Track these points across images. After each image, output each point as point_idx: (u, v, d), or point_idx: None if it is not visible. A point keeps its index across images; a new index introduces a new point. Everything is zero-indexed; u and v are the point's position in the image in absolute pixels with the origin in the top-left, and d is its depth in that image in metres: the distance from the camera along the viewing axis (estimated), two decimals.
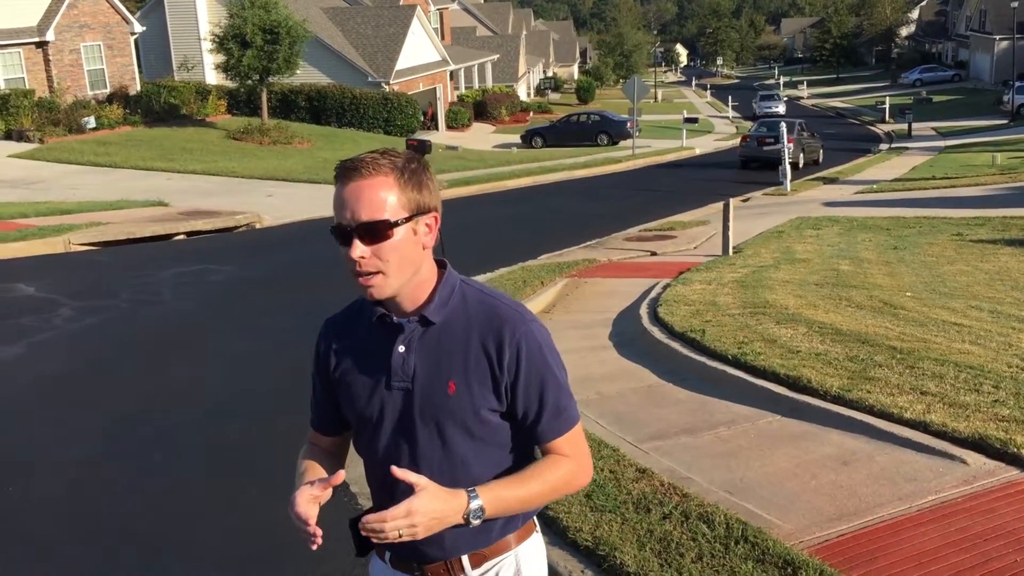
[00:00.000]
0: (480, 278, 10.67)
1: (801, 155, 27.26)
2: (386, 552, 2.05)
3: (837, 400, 5.56)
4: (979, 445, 4.74)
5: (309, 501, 1.88)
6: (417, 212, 1.90)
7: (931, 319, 7.81)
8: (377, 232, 1.85)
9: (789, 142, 25.20)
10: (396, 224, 1.86)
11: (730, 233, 12.67)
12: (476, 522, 1.86)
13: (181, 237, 15.51)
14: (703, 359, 6.79)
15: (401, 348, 1.94)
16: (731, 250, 12.63)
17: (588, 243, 14.72)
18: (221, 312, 9.86)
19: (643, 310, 8.73)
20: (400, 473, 1.82)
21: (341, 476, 1.89)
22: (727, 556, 3.83)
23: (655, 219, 17.52)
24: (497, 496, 1.88)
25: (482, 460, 1.96)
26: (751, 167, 26.66)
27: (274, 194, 20.41)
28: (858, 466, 4.78)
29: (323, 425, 2.16)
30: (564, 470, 1.97)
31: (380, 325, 1.98)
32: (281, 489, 5.04)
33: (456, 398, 1.91)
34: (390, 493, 1.90)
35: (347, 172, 1.87)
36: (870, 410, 5.34)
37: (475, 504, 1.85)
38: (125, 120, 28.61)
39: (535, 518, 2.12)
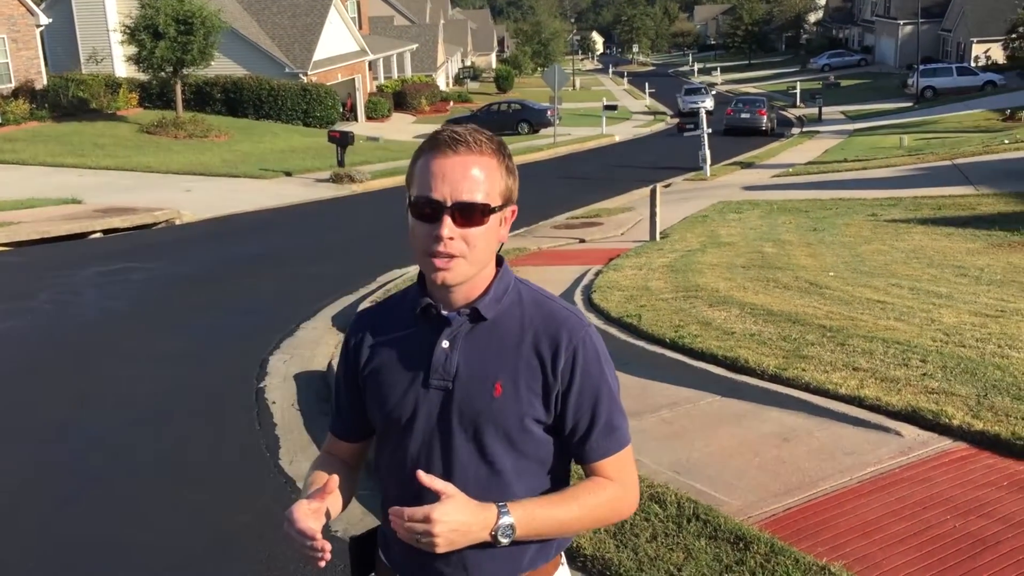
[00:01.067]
0: (411, 271, 10.62)
1: (770, 124, 35.33)
2: (395, 574, 1.87)
3: (774, 379, 5.71)
4: (912, 417, 4.92)
5: (308, 515, 1.70)
6: (507, 202, 1.78)
7: (855, 297, 8.07)
8: (474, 215, 1.70)
9: (762, 114, 34.70)
10: (493, 210, 1.73)
11: (657, 219, 12.86)
12: (505, 541, 1.67)
13: (98, 235, 15.07)
14: (641, 343, 6.89)
15: (445, 343, 1.77)
16: (658, 235, 12.82)
17: (516, 232, 14.77)
18: (147, 311, 9.63)
19: (578, 297, 8.81)
20: (427, 479, 1.65)
21: (335, 481, 1.73)
22: (680, 534, 3.92)
23: (581, 206, 17.69)
24: (530, 515, 1.70)
25: (520, 476, 1.77)
26: (734, 135, 33.86)
27: (193, 189, 19.98)
28: (799, 442, 4.92)
29: (343, 429, 1.96)
30: (607, 495, 1.79)
31: (423, 317, 1.81)
32: (221, 489, 4.98)
33: (501, 401, 1.74)
34: (414, 505, 1.70)
35: (450, 143, 1.71)
36: (806, 387, 5.50)
37: (505, 520, 1.67)
38: (32, 115, 27.65)
39: (563, 552, 1.91)
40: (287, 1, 39.63)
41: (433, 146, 1.73)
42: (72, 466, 5.53)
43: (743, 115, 34.88)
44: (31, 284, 10.77)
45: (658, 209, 12.87)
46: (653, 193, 12.89)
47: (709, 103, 41.89)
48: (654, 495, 4.27)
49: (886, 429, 4.89)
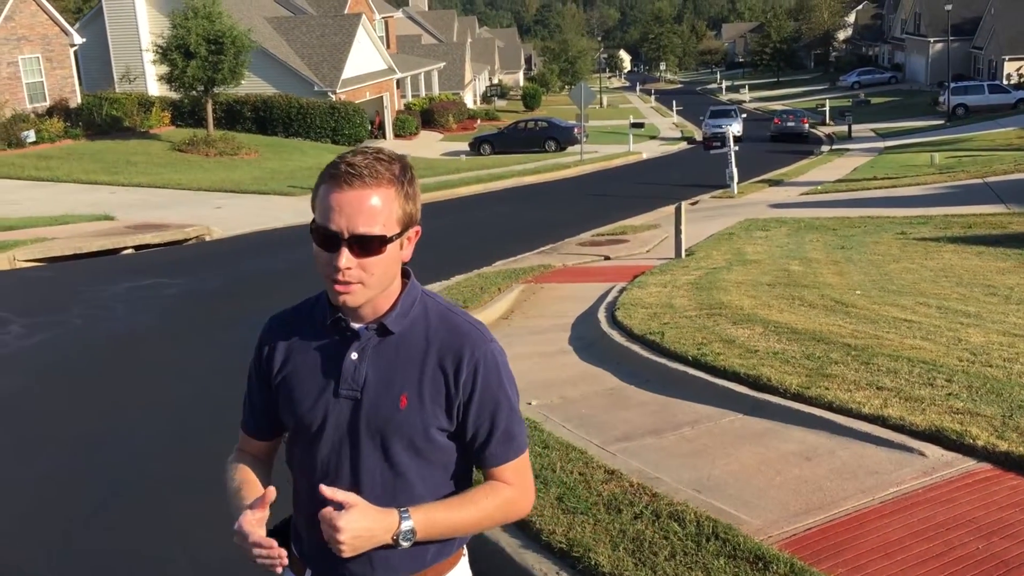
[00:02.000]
0: (435, 286, 10.69)
1: (810, 130, 42.27)
2: (307, 570, 1.96)
3: (797, 397, 5.68)
4: (936, 437, 4.87)
5: (257, 525, 1.79)
6: (408, 226, 1.84)
7: (882, 316, 8.01)
8: (371, 247, 1.77)
9: (804, 123, 41.69)
10: (391, 240, 1.79)
11: (682, 236, 12.84)
12: (405, 544, 1.79)
13: (129, 251, 15.28)
14: (663, 361, 6.88)
15: (354, 355, 1.86)
16: (684, 253, 12.80)
17: (542, 249, 14.81)
18: (177, 326, 9.75)
19: (601, 314, 8.81)
20: (329, 492, 1.75)
21: (272, 493, 1.83)
22: (699, 553, 3.90)
23: (607, 223, 17.69)
24: (430, 518, 1.81)
25: (425, 480, 1.88)
26: (780, 140, 40.54)
27: (223, 206, 20.20)
28: (820, 461, 4.89)
29: (256, 428, 2.05)
30: (502, 498, 1.90)
31: (334, 329, 1.89)
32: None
33: (406, 412, 1.83)
34: (320, 508, 1.79)
35: (346, 176, 1.76)
36: (829, 406, 5.46)
37: (406, 525, 1.78)
38: (66, 133, 28.12)
39: (465, 546, 2.03)
40: (316, 21, 40.11)
41: (330, 177, 1.78)
42: (100, 477, 5.60)
43: (789, 123, 42.12)
44: (64, 299, 10.93)
45: (683, 226, 12.85)
46: (678, 211, 12.88)
47: (736, 127, 36.89)
48: (673, 513, 4.26)
49: (909, 449, 4.85)
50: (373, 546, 1.77)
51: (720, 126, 36.33)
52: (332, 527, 1.72)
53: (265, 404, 2.01)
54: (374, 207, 1.76)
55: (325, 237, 1.77)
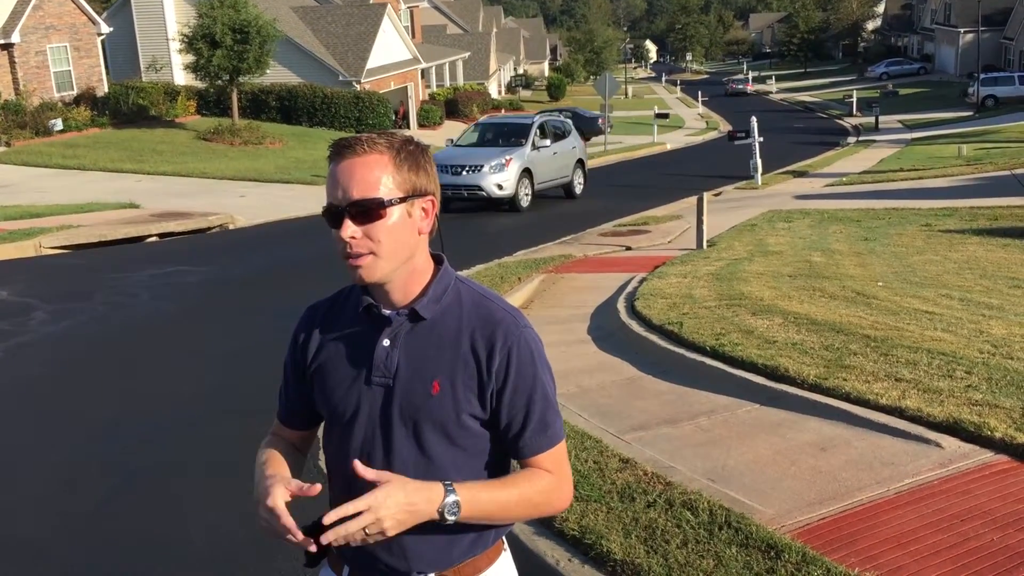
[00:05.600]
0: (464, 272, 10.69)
1: (753, 91, 57.64)
2: (344, 567, 1.91)
3: (814, 388, 5.66)
4: (953, 429, 4.85)
5: (279, 497, 1.75)
6: (413, 194, 1.80)
7: (903, 308, 7.95)
8: (369, 211, 1.75)
9: (748, 86, 67.05)
10: (390, 204, 1.77)
11: (704, 227, 12.78)
12: (451, 518, 1.73)
13: (154, 239, 15.41)
14: (681, 351, 6.88)
15: (386, 342, 1.84)
16: (705, 244, 12.74)
17: (563, 239, 14.79)
18: (199, 313, 9.83)
19: (620, 304, 8.80)
20: (361, 470, 1.69)
21: (317, 488, 1.74)
22: (711, 541, 3.90)
23: (629, 214, 17.63)
24: (474, 495, 1.76)
25: (459, 468, 1.83)
26: (734, 96, 60.29)
27: (246, 195, 20.32)
28: (836, 452, 4.87)
29: (291, 418, 2.05)
30: (543, 484, 1.85)
31: (366, 316, 1.87)
32: None
33: (438, 399, 1.81)
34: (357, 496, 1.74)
35: (341, 150, 1.78)
36: (847, 397, 5.44)
37: (451, 499, 1.73)
38: (93, 122, 28.36)
39: (504, 537, 1.98)
40: (341, 10, 40.19)
41: (331, 154, 1.80)
42: (120, 462, 5.67)
43: (739, 86, 67.05)
44: (88, 286, 11.05)
45: (705, 217, 12.79)
46: (700, 201, 12.83)
47: (503, 178, 17.73)
48: (686, 502, 4.26)
49: (926, 440, 4.82)
50: (417, 521, 1.71)
51: (464, 170, 17.84)
52: (366, 506, 1.65)
53: (299, 394, 1.99)
54: (368, 173, 1.76)
55: (329, 213, 1.78)
